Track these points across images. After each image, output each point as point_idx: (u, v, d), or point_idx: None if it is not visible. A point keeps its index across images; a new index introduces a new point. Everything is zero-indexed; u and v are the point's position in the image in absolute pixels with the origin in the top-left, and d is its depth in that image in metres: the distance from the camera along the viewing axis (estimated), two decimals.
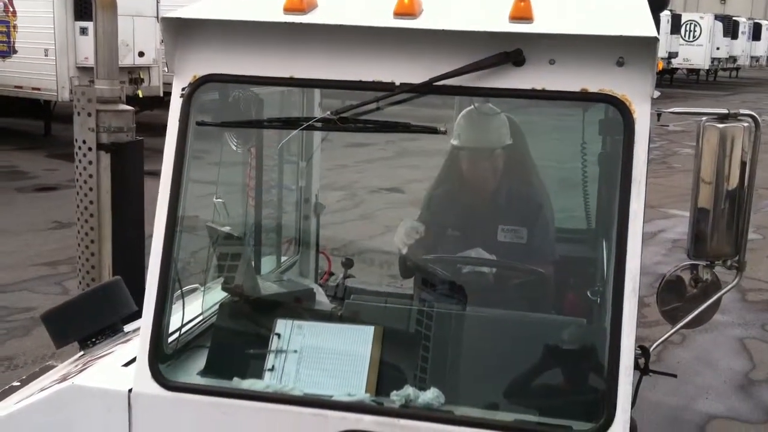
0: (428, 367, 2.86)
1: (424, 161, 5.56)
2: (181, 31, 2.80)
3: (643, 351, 3.03)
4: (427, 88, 2.66)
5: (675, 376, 3.92)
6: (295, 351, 2.87)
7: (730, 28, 40.80)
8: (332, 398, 2.71)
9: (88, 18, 13.81)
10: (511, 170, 4.04)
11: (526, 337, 3.04)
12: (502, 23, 2.58)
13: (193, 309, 3.30)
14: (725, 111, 2.76)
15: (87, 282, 5.87)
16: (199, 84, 2.81)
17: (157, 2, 16.46)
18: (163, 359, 2.85)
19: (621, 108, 2.58)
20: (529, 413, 2.73)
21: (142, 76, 16.71)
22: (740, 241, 2.82)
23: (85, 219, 5.83)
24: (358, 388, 2.75)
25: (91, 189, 5.76)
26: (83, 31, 15.63)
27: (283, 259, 4.56)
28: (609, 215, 3.21)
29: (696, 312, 3.00)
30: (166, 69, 3.13)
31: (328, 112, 2.78)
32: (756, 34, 44.98)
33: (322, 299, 3.74)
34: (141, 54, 16.42)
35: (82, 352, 3.45)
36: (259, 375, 2.83)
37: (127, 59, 15.53)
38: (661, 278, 3.11)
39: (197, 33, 2.80)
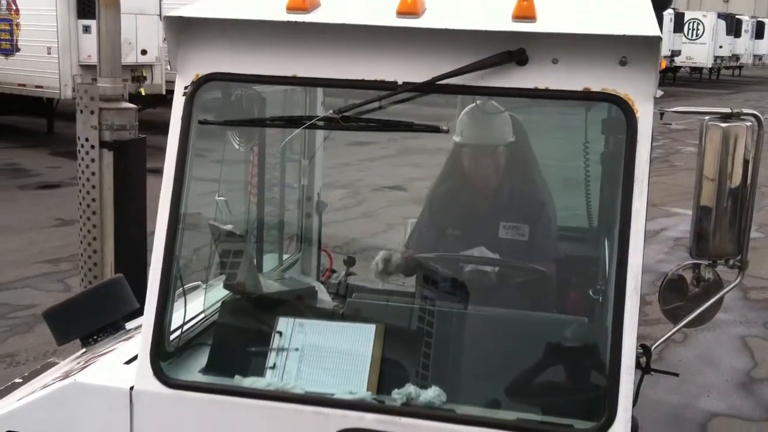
0: (430, 366, 2.86)
1: (427, 159, 5.56)
2: (184, 30, 2.80)
3: (644, 350, 3.03)
4: (430, 87, 2.66)
5: (677, 374, 3.92)
6: (297, 349, 2.87)
7: (733, 27, 40.74)
8: (333, 396, 2.71)
9: (91, 16, 13.85)
10: (513, 168, 4.03)
11: (528, 335, 3.04)
12: (505, 22, 2.58)
13: (194, 307, 3.31)
14: (728, 110, 2.76)
15: (89, 279, 5.89)
16: (201, 82, 2.82)
17: (160, 0, 16.46)
18: (165, 357, 2.86)
19: (624, 107, 2.58)
20: (531, 412, 2.73)
21: (144, 74, 16.71)
22: (743, 240, 2.82)
23: (87, 216, 5.84)
24: (359, 387, 2.75)
25: (93, 186, 5.77)
26: (86, 29, 15.64)
27: (285, 257, 4.56)
28: (611, 214, 3.21)
29: (698, 311, 3.00)
30: (168, 67, 3.12)
31: (331, 111, 2.78)
32: (759, 32, 44.93)
33: (324, 297, 3.74)
34: (144, 52, 16.42)
35: (84, 350, 3.45)
36: (260, 373, 2.83)
37: (129, 57, 15.52)
38: (663, 277, 3.11)
39: (200, 32, 2.80)
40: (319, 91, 3.95)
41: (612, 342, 2.54)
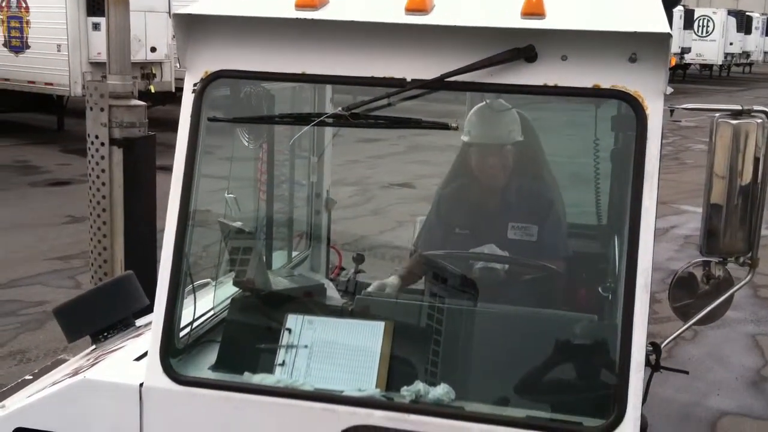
0: (439, 363, 2.86)
1: (436, 156, 5.57)
2: (193, 27, 2.81)
3: (654, 347, 3.03)
4: (439, 84, 2.66)
5: (686, 372, 3.90)
6: (306, 346, 2.88)
7: (744, 24, 40.57)
8: (342, 393, 2.71)
9: (101, 13, 13.90)
10: (521, 167, 4.03)
11: (537, 333, 3.03)
12: (514, 19, 2.57)
13: (204, 304, 3.31)
14: (739, 107, 2.75)
15: (99, 276, 5.91)
16: (210, 80, 2.82)
17: None
18: (175, 354, 2.86)
19: (633, 104, 2.57)
20: (540, 409, 2.72)
21: (154, 72, 16.75)
22: (753, 238, 2.81)
23: (97, 214, 5.87)
24: (368, 384, 2.75)
25: (103, 184, 5.79)
26: (96, 26, 15.69)
27: (294, 254, 4.57)
28: (621, 211, 3.20)
29: (708, 309, 2.99)
30: (178, 64, 3.13)
31: (340, 108, 2.78)
32: None
33: (333, 294, 3.75)
34: (153, 49, 16.45)
35: (93, 346, 3.47)
36: (269, 370, 2.84)
37: (139, 55, 15.56)
38: (673, 274, 3.10)
39: (209, 29, 2.80)
40: (328, 88, 3.95)
41: (622, 339, 2.53)
